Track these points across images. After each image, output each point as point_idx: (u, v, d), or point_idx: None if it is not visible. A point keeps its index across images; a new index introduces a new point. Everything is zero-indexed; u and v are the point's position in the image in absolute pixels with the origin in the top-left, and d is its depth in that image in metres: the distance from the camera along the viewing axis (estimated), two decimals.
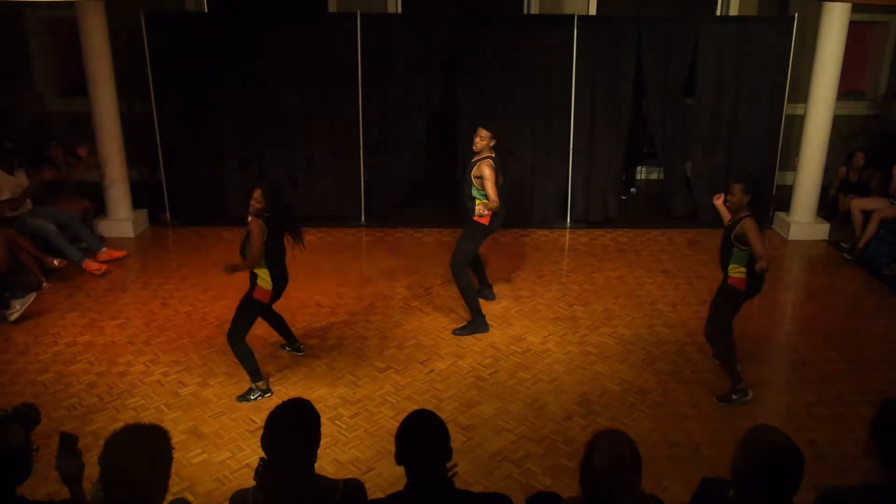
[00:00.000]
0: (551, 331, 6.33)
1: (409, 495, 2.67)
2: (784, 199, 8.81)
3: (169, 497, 2.51)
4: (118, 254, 7.61)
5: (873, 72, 10.16)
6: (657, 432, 4.91)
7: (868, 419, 2.74)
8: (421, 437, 2.68)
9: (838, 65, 8.01)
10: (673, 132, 8.74)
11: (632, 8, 9.49)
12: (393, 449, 2.69)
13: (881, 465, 2.66)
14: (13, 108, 9.33)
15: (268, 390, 5.32)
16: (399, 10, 9.46)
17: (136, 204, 8.62)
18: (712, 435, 4.90)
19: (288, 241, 5.21)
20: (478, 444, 4.80)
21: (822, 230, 8.52)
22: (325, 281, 7.21)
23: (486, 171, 5.85)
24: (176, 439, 4.18)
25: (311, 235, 8.31)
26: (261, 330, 5.88)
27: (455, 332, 6.22)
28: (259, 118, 8.54)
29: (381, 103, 8.54)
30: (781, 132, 8.73)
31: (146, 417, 4.94)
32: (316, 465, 2.76)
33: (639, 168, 10.25)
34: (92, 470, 2.52)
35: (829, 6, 7.78)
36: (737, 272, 5.06)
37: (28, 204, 7.36)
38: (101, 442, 2.42)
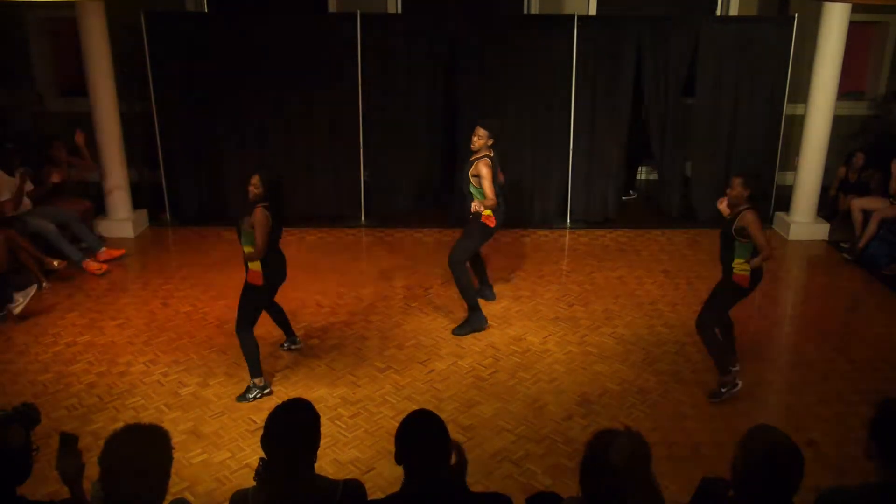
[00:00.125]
0: (551, 331, 6.33)
1: (409, 495, 2.67)
2: (784, 199, 8.82)
3: (169, 497, 2.51)
4: (117, 252, 7.61)
5: (873, 72, 10.16)
6: (657, 432, 4.91)
7: (868, 419, 2.75)
8: (421, 437, 2.68)
9: (838, 65, 8.00)
10: (669, 132, 8.73)
11: (632, 8, 9.49)
12: (393, 449, 2.69)
13: (881, 465, 2.66)
14: (13, 108, 9.33)
15: (266, 387, 5.32)
16: (399, 10, 9.46)
17: (136, 204, 8.62)
18: (712, 435, 4.90)
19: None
20: (478, 444, 4.80)
21: (822, 230, 8.52)
22: (325, 281, 7.21)
23: (484, 169, 5.86)
24: (176, 439, 4.17)
25: (311, 235, 8.36)
26: (260, 330, 5.86)
27: (455, 332, 6.22)
28: (259, 118, 8.54)
29: (381, 103, 8.54)
30: (781, 132, 8.73)
31: (146, 417, 4.94)
32: (316, 465, 2.76)
33: (640, 168, 10.24)
34: (92, 470, 2.52)
35: (829, 6, 7.78)
36: (741, 268, 5.04)
37: (28, 204, 7.36)
38: (101, 442, 2.42)
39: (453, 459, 2.77)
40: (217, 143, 8.64)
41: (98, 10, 7.76)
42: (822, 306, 6.94)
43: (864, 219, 8.04)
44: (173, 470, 2.51)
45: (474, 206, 5.82)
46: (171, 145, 8.65)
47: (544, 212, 8.86)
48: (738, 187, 4.99)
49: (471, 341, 6.13)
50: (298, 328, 6.17)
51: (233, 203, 8.55)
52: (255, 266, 5.12)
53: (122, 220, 8.40)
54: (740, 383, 5.28)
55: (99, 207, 8.35)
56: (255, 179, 5.01)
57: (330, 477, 2.91)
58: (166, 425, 2.73)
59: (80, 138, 7.76)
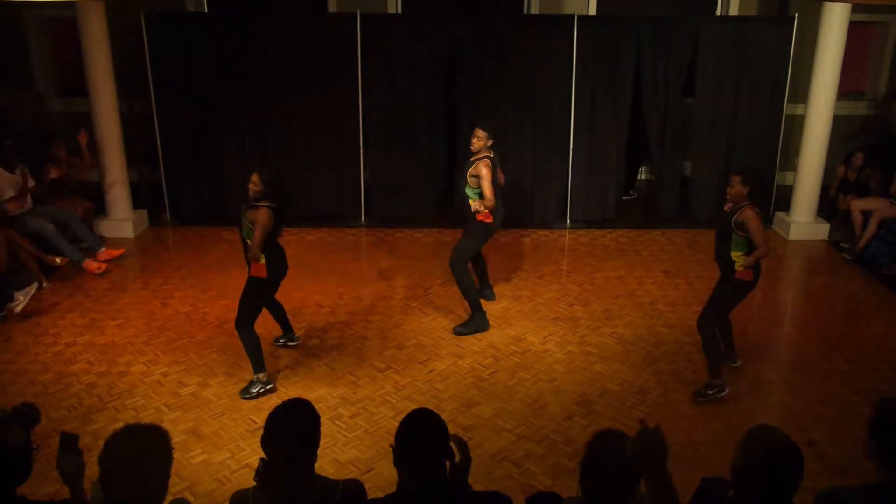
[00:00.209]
0: (551, 331, 6.33)
1: (409, 495, 2.67)
2: (784, 199, 8.82)
3: (169, 497, 2.51)
4: (117, 252, 7.60)
5: (873, 72, 10.16)
6: None
7: (868, 419, 2.75)
8: (421, 437, 2.68)
9: (838, 65, 8.00)
10: (668, 132, 8.73)
11: (632, 8, 9.48)
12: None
13: (880, 465, 2.66)
14: (13, 108, 9.33)
15: (269, 383, 5.34)
16: (399, 10, 9.45)
17: (136, 204, 8.62)
18: (712, 435, 4.90)
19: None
20: (478, 444, 4.80)
21: (822, 230, 8.52)
22: (325, 281, 7.21)
23: (484, 170, 5.86)
24: (176, 439, 4.17)
25: (311, 235, 8.36)
26: (261, 330, 5.87)
27: (455, 331, 6.22)
28: (259, 118, 8.54)
29: (381, 103, 8.54)
30: (781, 132, 8.72)
31: (146, 417, 4.94)
32: (316, 465, 2.76)
33: (640, 168, 10.23)
34: (92, 470, 2.52)
35: (829, 6, 7.78)
36: (741, 261, 5.03)
37: (28, 203, 7.36)
38: (101, 442, 2.42)
39: (457, 457, 2.77)
40: (217, 143, 8.64)
41: (98, 10, 7.75)
42: (822, 306, 6.94)
43: (863, 219, 8.04)
44: (173, 470, 2.51)
45: (474, 205, 5.83)
46: (171, 145, 8.65)
47: (544, 212, 8.86)
48: (737, 185, 5.00)
49: (471, 341, 6.13)
50: (298, 328, 6.17)
51: (233, 203, 8.54)
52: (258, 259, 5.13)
53: (122, 220, 8.40)
54: (728, 389, 5.25)
55: (99, 207, 8.35)
56: (255, 177, 5.04)
57: (330, 477, 2.91)
58: (166, 425, 2.73)
59: (83, 138, 7.77)
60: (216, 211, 8.75)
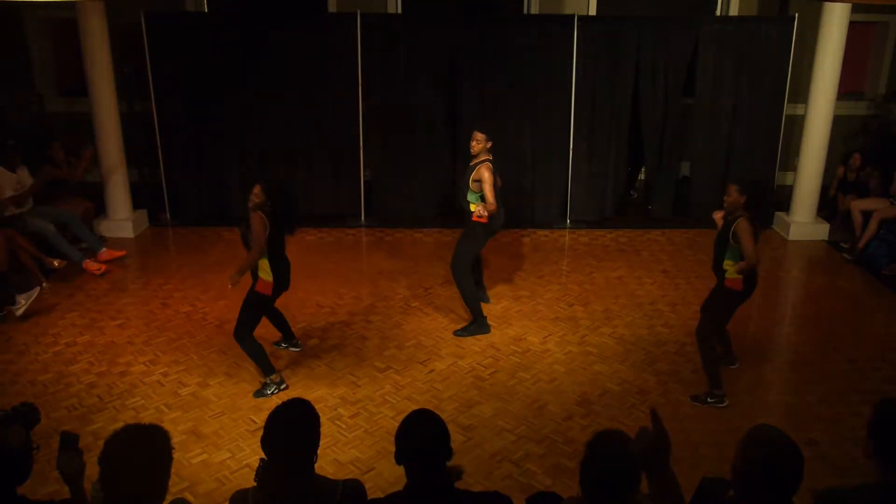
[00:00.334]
0: (551, 331, 6.33)
1: (409, 495, 2.67)
2: (784, 199, 8.82)
3: (169, 497, 2.51)
4: (118, 253, 7.61)
5: (873, 72, 10.16)
6: None
7: (868, 419, 2.75)
8: (421, 437, 2.68)
9: (838, 65, 8.00)
10: (668, 133, 8.73)
11: (632, 8, 9.48)
12: (393, 449, 2.69)
13: (880, 465, 2.66)
14: (13, 108, 9.33)
15: (282, 382, 5.37)
16: (399, 10, 9.45)
17: (136, 204, 8.62)
18: (712, 435, 4.90)
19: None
20: (478, 444, 4.80)
21: (822, 230, 8.52)
22: (325, 281, 7.21)
23: (486, 174, 5.85)
24: (176, 439, 4.17)
25: (311, 235, 8.36)
26: (261, 330, 5.87)
27: (456, 333, 6.22)
28: (259, 118, 8.54)
29: (381, 103, 8.55)
30: (781, 132, 8.73)
31: (146, 417, 4.94)
32: (316, 465, 2.76)
33: (641, 168, 10.22)
34: (92, 470, 2.52)
35: (829, 6, 7.78)
36: (732, 274, 5.05)
37: (29, 203, 7.36)
38: (101, 442, 2.41)
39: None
40: (217, 143, 8.64)
41: (98, 10, 7.75)
42: (822, 306, 6.94)
43: (863, 219, 8.04)
44: (173, 470, 2.50)
45: (477, 210, 5.81)
46: (171, 145, 8.65)
47: (544, 212, 8.86)
48: (734, 194, 5.00)
49: (471, 341, 6.13)
50: (298, 328, 6.18)
51: (233, 203, 8.56)
52: (266, 276, 5.14)
53: (122, 220, 8.40)
54: (727, 402, 5.24)
55: (99, 207, 8.35)
56: (257, 189, 5.05)
57: (330, 477, 2.91)
58: (166, 425, 2.73)
59: (87, 154, 7.76)
60: (216, 211, 8.75)
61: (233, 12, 9.28)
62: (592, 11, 9.47)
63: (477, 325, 6.25)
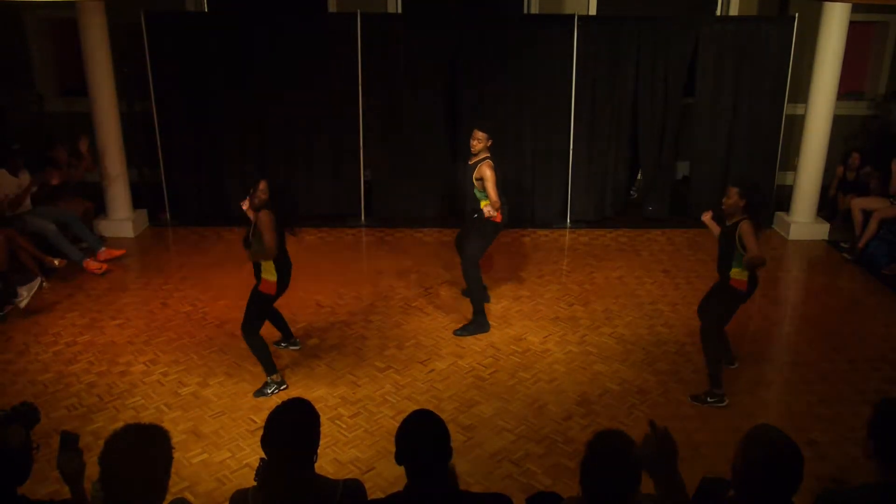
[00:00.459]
0: (551, 331, 6.33)
1: (409, 495, 2.67)
2: (784, 199, 8.82)
3: (169, 497, 2.51)
4: (118, 252, 7.61)
5: (873, 72, 10.16)
6: None
7: (868, 419, 2.75)
8: (421, 437, 2.68)
9: (838, 65, 8.00)
10: (662, 133, 8.73)
11: (632, 8, 9.48)
12: (393, 449, 2.69)
13: (880, 465, 2.66)
14: (13, 109, 9.33)
15: (283, 382, 5.38)
16: (399, 10, 9.45)
17: (136, 204, 8.62)
18: (712, 435, 4.90)
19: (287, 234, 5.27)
20: (478, 444, 4.80)
21: (822, 230, 8.52)
22: (325, 281, 7.21)
23: (487, 172, 5.86)
24: (176, 439, 4.17)
25: (311, 235, 8.36)
26: (262, 331, 5.87)
27: (456, 333, 6.22)
28: (259, 118, 8.55)
29: (381, 103, 8.54)
30: (781, 132, 8.73)
31: (146, 417, 4.94)
32: (316, 465, 2.76)
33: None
34: (92, 470, 2.52)
35: (829, 6, 7.78)
36: (740, 275, 5.06)
37: (28, 204, 7.37)
38: (101, 442, 2.42)
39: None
40: (217, 143, 8.65)
41: (98, 10, 7.75)
42: (822, 306, 6.94)
43: (864, 219, 8.04)
44: (173, 470, 2.51)
45: (487, 211, 5.82)
46: (171, 145, 8.65)
47: (544, 212, 8.86)
48: (734, 196, 4.98)
49: (471, 341, 6.13)
50: (298, 328, 6.18)
51: (233, 203, 8.54)
52: (270, 276, 5.14)
53: (122, 220, 8.40)
54: (727, 401, 5.24)
55: (99, 207, 8.35)
56: (263, 185, 5.06)
57: (330, 477, 2.91)
58: (166, 425, 2.73)
59: (83, 145, 7.77)
60: (216, 211, 8.75)
61: (233, 12, 9.28)
62: (592, 11, 9.47)
63: (476, 324, 6.25)
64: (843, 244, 8.18)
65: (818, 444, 4.80)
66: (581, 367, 5.76)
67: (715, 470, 2.56)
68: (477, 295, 6.23)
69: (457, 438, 4.52)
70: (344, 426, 4.99)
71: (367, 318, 6.51)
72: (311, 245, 8.17)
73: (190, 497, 4.20)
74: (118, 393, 5.35)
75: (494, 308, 6.65)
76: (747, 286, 5.10)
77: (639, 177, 10.16)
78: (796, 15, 8.41)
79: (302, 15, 8.80)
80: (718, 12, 9.56)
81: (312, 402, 2.79)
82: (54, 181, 7.52)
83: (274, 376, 5.33)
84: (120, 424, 2.51)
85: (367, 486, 2.95)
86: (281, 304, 5.73)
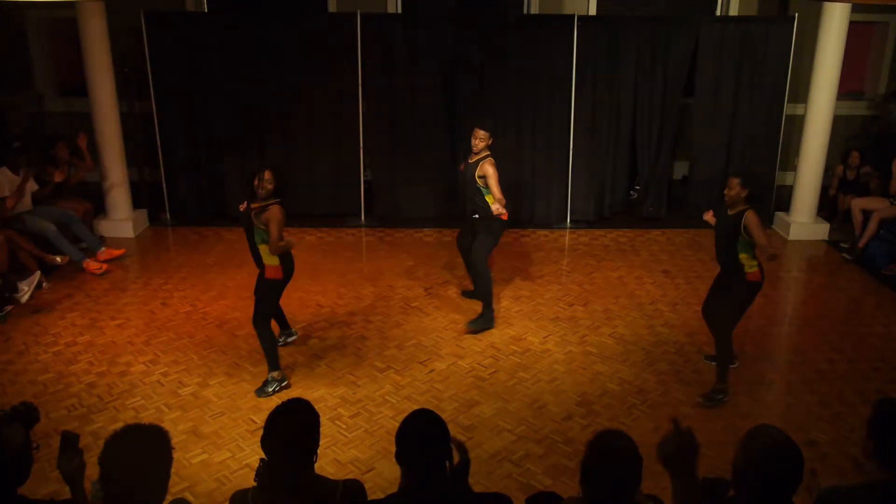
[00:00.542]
0: (551, 331, 6.33)
1: (409, 495, 2.67)
2: (784, 199, 8.82)
3: (169, 497, 2.51)
4: (117, 252, 7.61)
5: (873, 72, 10.16)
6: (657, 432, 4.90)
7: (867, 419, 2.75)
8: (421, 437, 2.68)
9: (838, 65, 8.00)
10: (661, 133, 8.73)
11: (632, 8, 9.48)
12: (393, 449, 2.69)
13: (880, 465, 2.66)
14: (13, 109, 9.33)
15: (285, 380, 5.38)
16: (399, 10, 9.45)
17: (136, 204, 8.62)
18: (712, 435, 4.89)
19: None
20: (478, 444, 4.80)
21: (822, 230, 8.52)
22: (325, 281, 7.21)
23: (490, 169, 5.90)
24: (176, 439, 4.18)
25: (311, 235, 8.36)
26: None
27: (469, 325, 6.24)
28: (259, 118, 8.55)
29: (381, 103, 8.54)
30: (781, 132, 8.73)
31: (146, 417, 4.94)
32: (316, 465, 2.76)
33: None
34: (92, 470, 2.52)
35: (829, 6, 7.78)
36: (751, 266, 5.07)
37: (29, 203, 7.36)
38: (101, 442, 2.42)
39: (456, 458, 2.77)
40: (217, 143, 8.64)
41: (98, 10, 7.75)
42: (822, 306, 6.94)
43: (864, 219, 8.04)
44: (173, 470, 2.51)
45: (495, 209, 5.84)
46: (171, 145, 8.65)
47: (544, 212, 8.86)
48: (735, 187, 4.99)
49: (471, 341, 6.13)
50: (298, 328, 6.18)
51: (233, 203, 8.53)
52: (272, 261, 5.15)
53: (122, 220, 8.40)
54: (727, 399, 5.26)
55: (99, 207, 8.35)
56: (269, 174, 5.02)
57: (330, 477, 2.92)
58: (166, 425, 2.73)
59: (82, 141, 7.78)
60: (216, 211, 8.75)
61: (233, 12, 9.29)
62: (592, 11, 9.46)
63: (485, 318, 6.28)
64: (843, 244, 8.18)
65: (818, 444, 4.80)
66: (581, 367, 5.76)
67: (715, 470, 2.56)
68: (487, 290, 6.26)
69: (457, 438, 4.51)
70: (344, 426, 4.99)
71: (367, 318, 6.51)
72: (311, 245, 8.17)
73: (190, 497, 4.20)
74: (118, 393, 5.35)
75: (495, 308, 6.64)
76: (761, 276, 5.11)
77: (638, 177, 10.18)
78: (796, 15, 8.41)
79: (302, 15, 8.80)
80: (718, 12, 9.56)
81: (312, 402, 2.79)
82: (57, 178, 7.51)
83: (275, 373, 5.33)
84: (120, 425, 2.52)
85: (367, 486, 2.95)
86: (281, 304, 5.74)
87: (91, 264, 7.27)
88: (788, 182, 9.16)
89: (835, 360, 5.90)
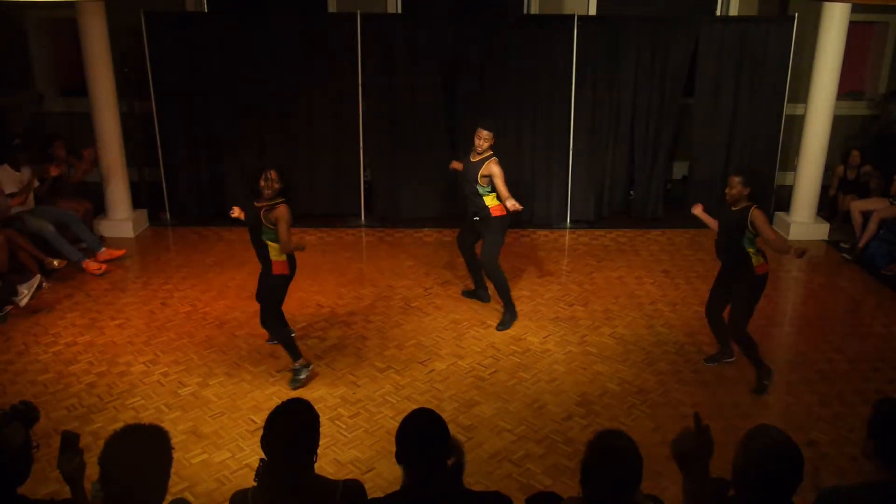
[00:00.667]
0: (551, 331, 6.33)
1: (409, 495, 2.67)
2: (784, 199, 8.82)
3: (169, 497, 2.51)
4: (118, 253, 7.60)
5: (873, 72, 10.16)
6: (657, 432, 4.91)
7: (867, 419, 2.75)
8: (421, 437, 2.68)
9: (838, 65, 8.00)
10: (660, 133, 8.73)
11: (632, 8, 9.49)
12: (393, 449, 2.69)
13: (879, 465, 2.66)
14: (13, 108, 9.33)
15: (309, 364, 5.48)
16: (399, 10, 9.45)
17: (136, 204, 8.62)
18: (712, 435, 4.88)
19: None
20: (478, 444, 4.80)
21: (822, 230, 8.52)
22: (325, 281, 7.21)
23: (496, 169, 5.96)
24: (176, 439, 4.18)
25: (311, 235, 8.36)
26: (261, 329, 5.88)
27: (499, 328, 6.29)
28: (259, 118, 8.55)
29: (381, 103, 8.54)
30: (781, 132, 8.73)
31: (146, 417, 4.94)
32: (316, 465, 2.76)
33: None
34: (92, 470, 2.52)
35: (829, 6, 7.78)
36: (758, 260, 5.10)
37: (31, 202, 7.37)
38: (101, 442, 2.42)
39: (451, 460, 2.77)
40: (217, 143, 8.64)
41: (98, 10, 7.75)
42: (822, 306, 6.94)
43: (863, 219, 8.04)
44: (173, 470, 2.51)
45: (511, 206, 5.86)
46: (171, 145, 8.65)
47: (544, 212, 8.86)
48: (737, 186, 5.01)
49: (471, 341, 6.13)
50: (298, 328, 6.18)
51: (233, 203, 8.51)
52: (280, 258, 5.19)
53: (121, 220, 8.40)
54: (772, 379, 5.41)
55: (99, 207, 8.35)
56: (274, 174, 5.06)
57: (330, 477, 2.92)
58: (166, 425, 2.73)
59: (89, 157, 7.79)
60: (216, 211, 8.74)
61: (233, 12, 9.28)
62: (592, 11, 9.46)
63: (510, 315, 6.35)
64: (843, 244, 8.18)
65: (818, 444, 4.80)
66: (581, 367, 5.76)
67: (715, 470, 2.56)
68: (504, 290, 6.30)
69: (457, 438, 4.51)
70: (344, 426, 4.99)
71: (367, 318, 6.51)
72: (311, 245, 8.15)
73: (190, 497, 4.20)
74: (118, 393, 5.34)
75: (495, 308, 6.65)
76: (767, 268, 5.17)
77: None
78: (796, 15, 8.42)
79: (302, 15, 8.80)
80: (718, 12, 9.55)
81: (312, 402, 2.79)
82: (53, 173, 7.52)
83: (301, 361, 5.40)
84: (120, 425, 2.52)
85: (367, 486, 2.95)
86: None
87: (91, 265, 7.27)
88: (788, 182, 9.16)
89: (835, 360, 5.90)
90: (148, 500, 2.40)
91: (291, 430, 2.67)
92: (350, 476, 3.85)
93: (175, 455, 2.49)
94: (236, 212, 5.46)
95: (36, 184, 7.41)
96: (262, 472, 2.64)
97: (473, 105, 8.44)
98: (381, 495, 2.81)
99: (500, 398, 5.34)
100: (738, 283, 5.25)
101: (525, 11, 9.54)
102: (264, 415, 2.78)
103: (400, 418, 2.76)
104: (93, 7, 7.70)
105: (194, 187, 8.81)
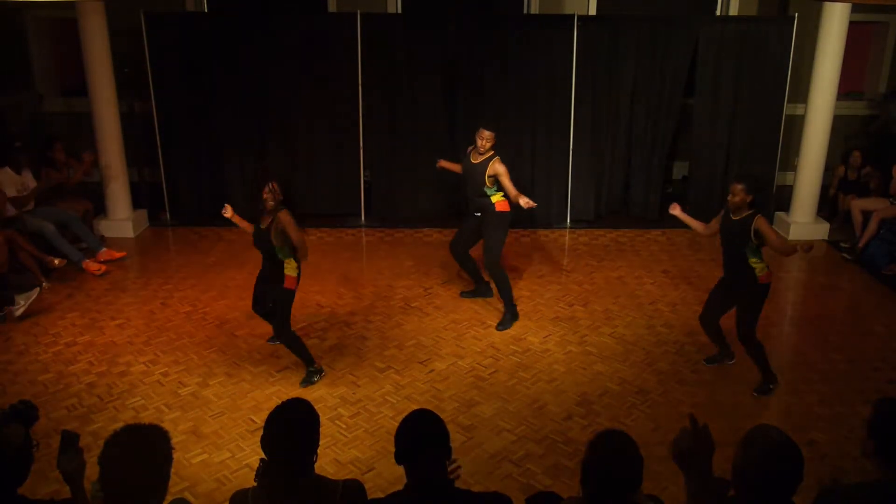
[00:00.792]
0: (551, 331, 6.33)
1: (410, 495, 2.67)
2: (784, 199, 8.82)
3: (169, 497, 2.51)
4: (118, 254, 7.61)
5: (873, 72, 10.16)
6: (657, 432, 4.91)
7: (867, 419, 2.75)
8: (421, 437, 2.68)
9: (838, 65, 8.00)
10: (659, 133, 8.73)
11: (632, 8, 9.49)
12: (393, 449, 2.69)
13: (879, 464, 2.66)
14: (13, 109, 9.33)
15: (321, 369, 5.54)
16: (399, 10, 9.45)
17: (136, 204, 8.62)
18: (713, 435, 4.88)
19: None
20: (478, 444, 4.80)
21: (822, 230, 8.52)
22: (324, 281, 7.21)
23: (501, 167, 6.00)
24: (176, 439, 4.18)
25: (311, 235, 8.35)
26: (261, 329, 5.88)
27: (499, 328, 6.29)
28: (259, 118, 8.55)
29: (381, 103, 8.55)
30: (781, 132, 8.73)
31: (146, 417, 4.94)
32: (316, 465, 2.76)
33: None
34: (92, 470, 2.51)
35: (829, 6, 7.78)
36: (761, 269, 5.10)
37: (31, 203, 7.38)
38: (101, 442, 2.41)
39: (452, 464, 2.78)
40: (217, 143, 8.64)
41: (98, 10, 7.75)
42: (822, 306, 6.94)
43: (864, 219, 8.05)
44: (173, 470, 2.50)
45: (525, 203, 5.88)
46: (171, 145, 8.65)
47: (544, 212, 8.86)
48: (739, 193, 4.98)
49: (471, 341, 6.13)
50: (298, 328, 6.16)
51: (233, 203, 8.50)
52: (293, 271, 5.23)
53: (121, 220, 8.40)
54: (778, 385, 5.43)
55: (99, 207, 8.35)
56: (275, 186, 5.09)
57: (330, 477, 2.91)
58: (166, 425, 2.73)
59: (88, 160, 7.81)
60: (216, 211, 8.68)
61: (233, 12, 9.28)
62: (592, 11, 9.46)
63: (510, 315, 6.36)
64: (843, 244, 8.19)
65: (818, 444, 4.80)
66: (581, 367, 5.76)
67: (715, 470, 2.56)
68: (506, 289, 6.31)
69: (457, 438, 4.52)
70: (344, 426, 4.99)
71: (367, 318, 6.51)
72: (311, 245, 8.10)
73: (190, 497, 4.20)
74: (118, 393, 5.35)
75: (494, 308, 6.65)
76: (770, 276, 5.18)
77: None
78: (796, 15, 8.41)
79: (302, 15, 8.80)
80: (718, 12, 9.56)
81: (312, 403, 2.79)
82: (53, 179, 7.54)
83: (315, 366, 5.46)
84: (120, 425, 2.51)
85: (367, 486, 2.95)
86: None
87: (91, 265, 7.27)
88: (788, 182, 9.16)
89: (835, 360, 5.91)
90: (148, 500, 2.40)
91: (291, 430, 2.67)
92: (350, 476, 3.85)
93: (175, 455, 2.49)
94: (229, 211, 5.49)
95: (34, 183, 7.42)
96: (262, 472, 2.64)
97: (473, 105, 8.44)
98: (381, 495, 2.81)
99: (500, 398, 5.34)
100: (741, 293, 5.24)
101: (525, 11, 9.54)
102: (264, 415, 2.78)
103: (400, 418, 2.76)
104: (93, 7, 7.70)
105: (194, 187, 8.81)
